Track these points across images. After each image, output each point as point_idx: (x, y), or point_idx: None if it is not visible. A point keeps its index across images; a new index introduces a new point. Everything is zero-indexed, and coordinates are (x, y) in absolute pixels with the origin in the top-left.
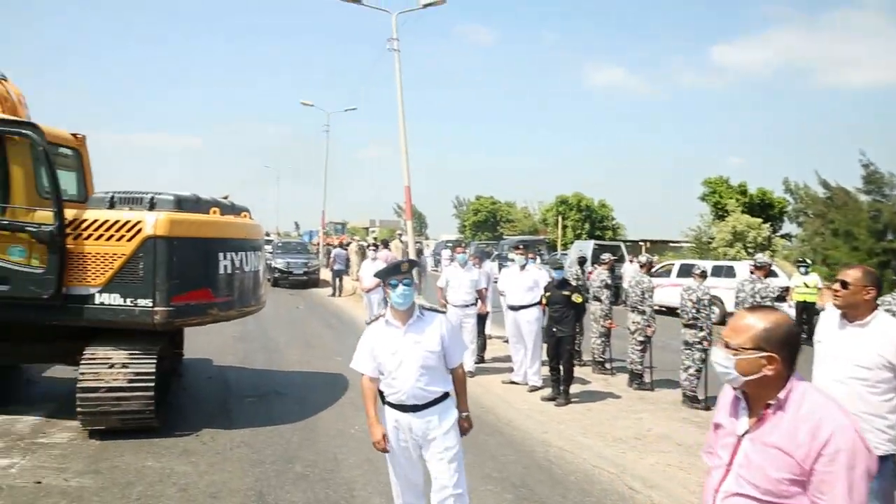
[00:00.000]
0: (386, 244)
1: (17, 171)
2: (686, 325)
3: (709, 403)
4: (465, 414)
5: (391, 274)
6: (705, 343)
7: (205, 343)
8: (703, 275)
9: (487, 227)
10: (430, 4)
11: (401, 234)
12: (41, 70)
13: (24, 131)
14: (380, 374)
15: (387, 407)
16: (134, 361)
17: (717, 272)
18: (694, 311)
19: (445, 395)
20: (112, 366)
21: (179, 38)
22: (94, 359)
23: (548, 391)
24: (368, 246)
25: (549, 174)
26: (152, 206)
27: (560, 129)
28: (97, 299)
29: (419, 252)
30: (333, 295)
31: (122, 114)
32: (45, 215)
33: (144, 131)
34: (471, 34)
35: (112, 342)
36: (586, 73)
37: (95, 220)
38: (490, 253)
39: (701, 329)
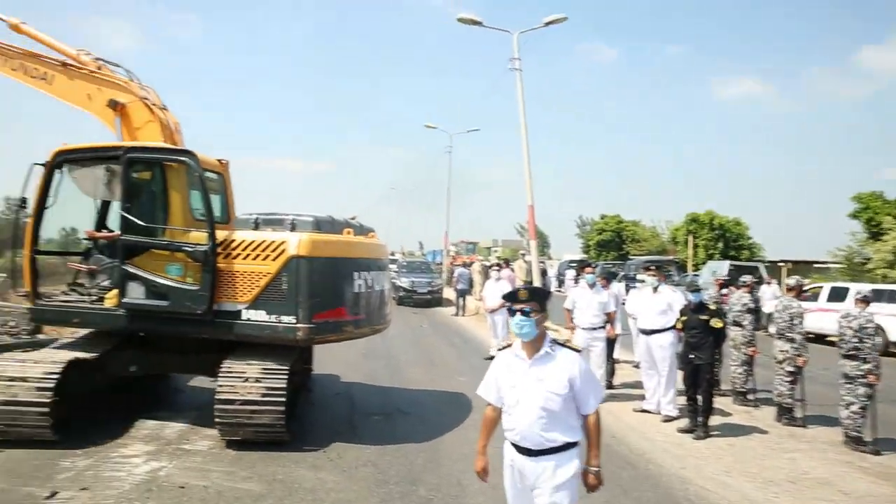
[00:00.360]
0: (508, 263)
1: (175, 194)
2: (846, 356)
3: (879, 447)
4: (594, 469)
5: (510, 300)
6: (870, 377)
7: (333, 359)
8: (866, 300)
9: (612, 247)
10: (551, 22)
11: (524, 254)
12: (185, 93)
13: (182, 158)
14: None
15: (506, 441)
16: (267, 376)
17: (879, 297)
18: (856, 340)
19: (568, 446)
20: (247, 380)
21: (318, 72)
22: (230, 372)
23: (684, 422)
24: (492, 266)
25: (677, 192)
26: (293, 227)
27: (688, 144)
28: (244, 315)
29: (543, 272)
30: (457, 314)
31: (262, 140)
32: (198, 236)
33: (279, 156)
34: (593, 52)
35: (248, 356)
36: (715, 86)
37: (243, 241)
38: (616, 273)
39: (865, 361)
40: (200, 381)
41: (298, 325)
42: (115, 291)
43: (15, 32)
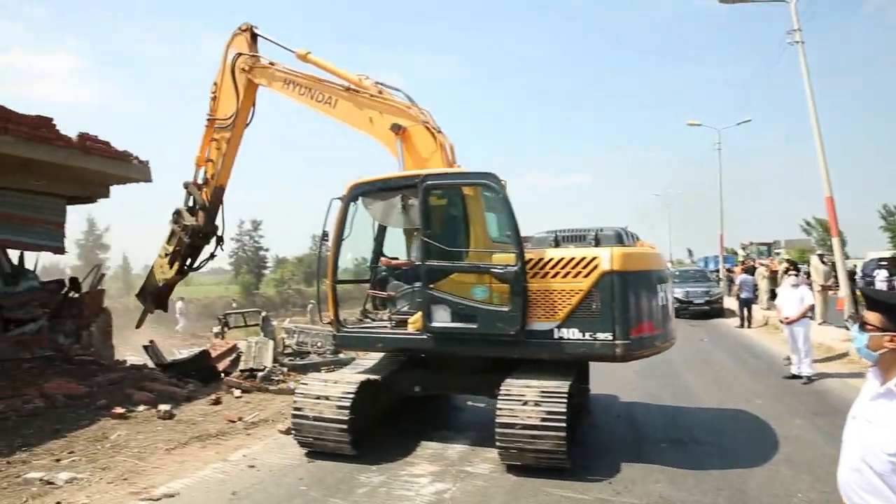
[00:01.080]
0: (795, 266)
1: (475, 217)
2: None
3: None
4: None
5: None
6: None
7: (604, 377)
8: None
9: None
10: None
11: (822, 255)
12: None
13: (485, 182)
14: None
15: None
16: (546, 399)
17: None
18: None
19: None
20: (525, 403)
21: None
22: (509, 395)
23: None
24: (787, 270)
25: None
26: (598, 242)
27: None
28: (556, 334)
29: (851, 275)
30: (742, 326)
31: (507, 156)
32: (506, 257)
33: (525, 171)
34: (888, 9)
35: (526, 377)
36: None
37: (552, 259)
38: None
39: None
40: (478, 400)
41: (616, 342)
42: (418, 316)
43: (301, 62)
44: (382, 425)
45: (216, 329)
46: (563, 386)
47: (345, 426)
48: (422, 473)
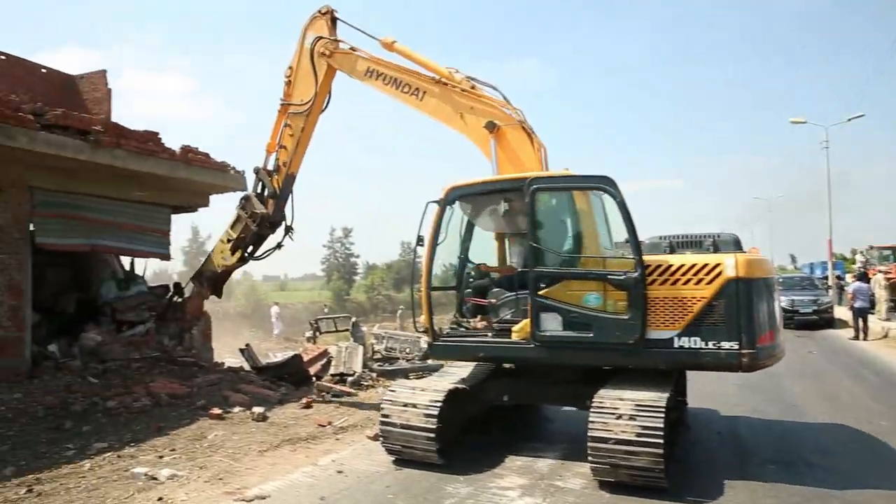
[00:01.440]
0: None
1: (586, 221)
2: None
3: None
4: None
5: None
6: None
7: (701, 391)
8: None
9: None
10: None
11: None
12: None
13: (602, 185)
14: None
15: None
16: (641, 414)
17: None
18: None
19: None
20: (619, 417)
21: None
22: (602, 408)
23: None
24: None
25: None
26: (716, 248)
27: None
28: (676, 343)
29: None
30: (856, 338)
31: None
32: (624, 263)
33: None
34: None
35: (620, 388)
36: None
37: (671, 266)
38: None
39: None
40: (570, 410)
41: (743, 351)
42: (523, 324)
43: (387, 51)
44: (470, 434)
45: (308, 334)
46: (660, 399)
47: (432, 435)
48: (510, 486)
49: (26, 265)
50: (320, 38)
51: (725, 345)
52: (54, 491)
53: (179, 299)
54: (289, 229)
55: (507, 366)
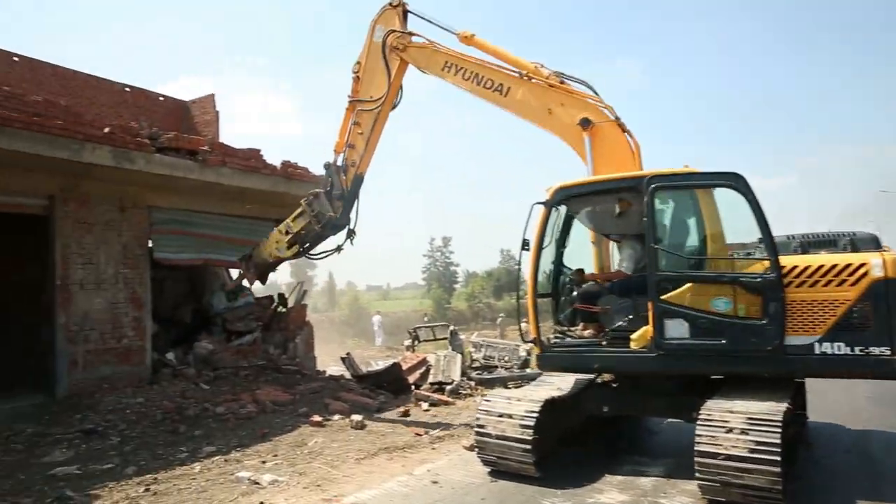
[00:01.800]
0: None
1: (711, 221)
2: None
3: None
4: None
5: None
6: None
7: (824, 404)
8: None
9: None
10: None
11: None
12: None
13: (731, 183)
14: None
15: None
16: (754, 428)
17: None
18: None
19: None
20: (730, 430)
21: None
22: (710, 421)
23: None
24: None
25: None
26: (854, 246)
27: None
28: (817, 349)
29: None
30: None
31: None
32: (758, 265)
33: None
34: None
35: (730, 399)
36: None
37: (808, 266)
38: None
39: None
40: (675, 421)
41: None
42: (642, 331)
43: (464, 45)
44: (568, 446)
45: (407, 342)
46: (775, 412)
47: (528, 446)
48: (611, 502)
49: (146, 279)
50: (392, 31)
51: (875, 350)
52: (167, 491)
53: (283, 309)
54: (351, 233)
55: (606, 375)
